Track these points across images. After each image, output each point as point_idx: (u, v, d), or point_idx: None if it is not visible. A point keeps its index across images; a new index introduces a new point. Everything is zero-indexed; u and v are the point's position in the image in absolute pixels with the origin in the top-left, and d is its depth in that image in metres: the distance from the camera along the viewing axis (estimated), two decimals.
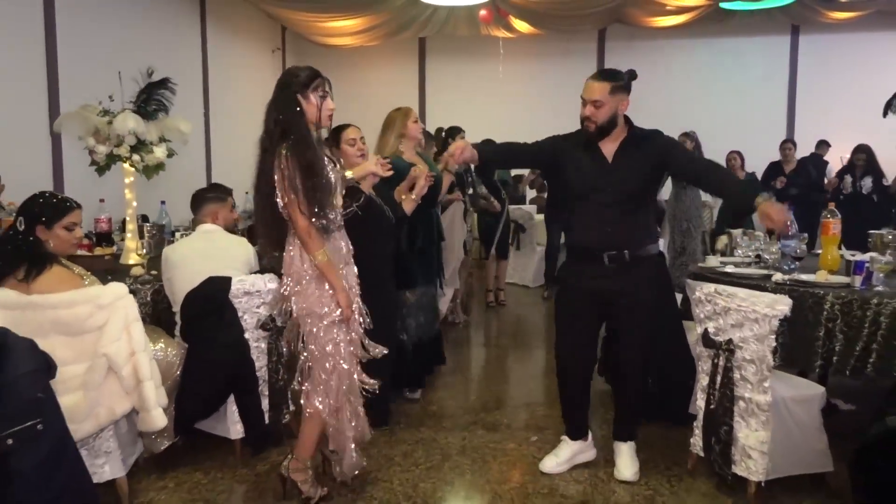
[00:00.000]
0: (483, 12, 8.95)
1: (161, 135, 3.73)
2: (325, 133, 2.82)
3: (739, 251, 3.97)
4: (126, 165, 3.72)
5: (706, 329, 2.81)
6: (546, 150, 2.96)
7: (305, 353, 2.60)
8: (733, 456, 2.72)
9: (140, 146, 3.65)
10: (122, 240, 4.06)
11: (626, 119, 2.87)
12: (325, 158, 2.57)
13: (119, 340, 2.51)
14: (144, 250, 3.53)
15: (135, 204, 3.87)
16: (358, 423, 2.70)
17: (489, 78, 10.34)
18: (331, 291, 2.53)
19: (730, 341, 2.70)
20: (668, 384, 3.41)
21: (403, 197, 3.45)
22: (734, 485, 2.73)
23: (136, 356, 2.55)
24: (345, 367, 2.59)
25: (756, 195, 2.59)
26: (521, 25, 9.49)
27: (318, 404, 2.60)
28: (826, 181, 7.35)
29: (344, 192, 2.70)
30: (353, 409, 2.67)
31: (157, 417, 2.59)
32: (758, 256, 3.88)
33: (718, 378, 2.75)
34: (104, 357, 2.49)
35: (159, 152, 3.72)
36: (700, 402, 2.87)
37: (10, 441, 1.47)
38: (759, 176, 7.47)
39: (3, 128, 5.00)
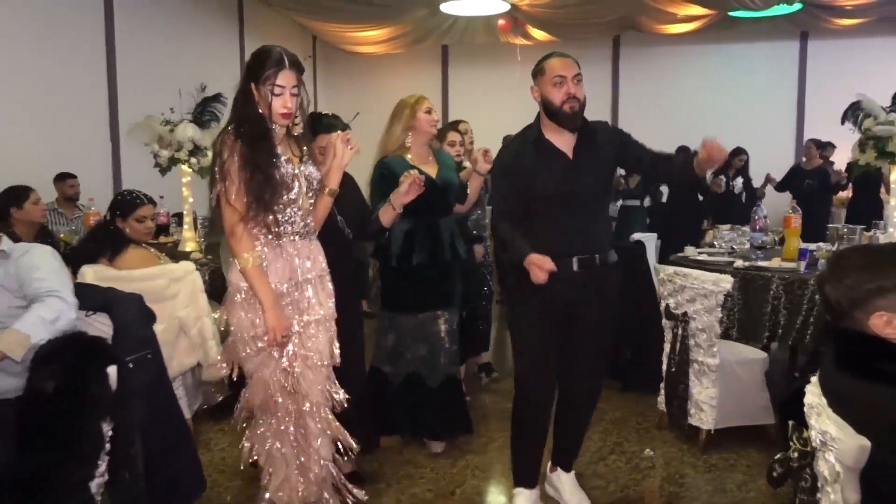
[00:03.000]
0: (501, 22, 9.50)
1: (214, 140, 4.37)
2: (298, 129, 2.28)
3: (716, 242, 4.51)
4: (184, 167, 4.38)
5: (667, 304, 3.35)
6: (518, 183, 2.52)
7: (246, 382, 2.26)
8: (689, 409, 3.27)
9: (196, 151, 4.31)
10: (178, 231, 4.74)
11: None
12: (283, 155, 2.19)
13: (188, 307, 3.17)
14: (201, 238, 4.17)
15: (191, 200, 4.53)
16: (305, 474, 2.24)
17: (507, 83, 10.86)
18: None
19: (685, 314, 3.24)
20: (644, 357, 3.95)
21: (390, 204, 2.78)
22: (690, 433, 3.28)
23: (201, 320, 3.20)
24: (279, 402, 2.21)
25: (692, 154, 2.58)
26: (538, 33, 10.03)
27: (253, 452, 2.27)
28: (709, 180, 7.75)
29: (311, 195, 2.27)
30: (293, 457, 2.24)
31: (219, 369, 3.23)
32: (732, 248, 4.42)
33: (677, 345, 3.30)
34: (177, 320, 3.14)
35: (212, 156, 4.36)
36: (664, 366, 3.41)
37: (131, 365, 2.08)
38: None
39: (69, 134, 5.71)
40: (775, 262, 3.71)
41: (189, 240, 4.43)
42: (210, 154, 4.36)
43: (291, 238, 2.22)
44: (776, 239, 4.55)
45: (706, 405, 3.21)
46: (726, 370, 3.20)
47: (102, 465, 1.69)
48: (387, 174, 2.96)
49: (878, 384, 1.27)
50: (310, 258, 2.27)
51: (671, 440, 3.36)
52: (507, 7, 8.48)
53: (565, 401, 2.65)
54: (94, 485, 1.68)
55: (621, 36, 10.73)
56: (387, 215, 2.75)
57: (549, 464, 2.76)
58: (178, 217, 5.08)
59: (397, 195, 2.71)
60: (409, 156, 3.07)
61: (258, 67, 2.14)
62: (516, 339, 2.63)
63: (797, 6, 8.73)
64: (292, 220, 2.21)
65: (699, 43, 10.46)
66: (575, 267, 2.45)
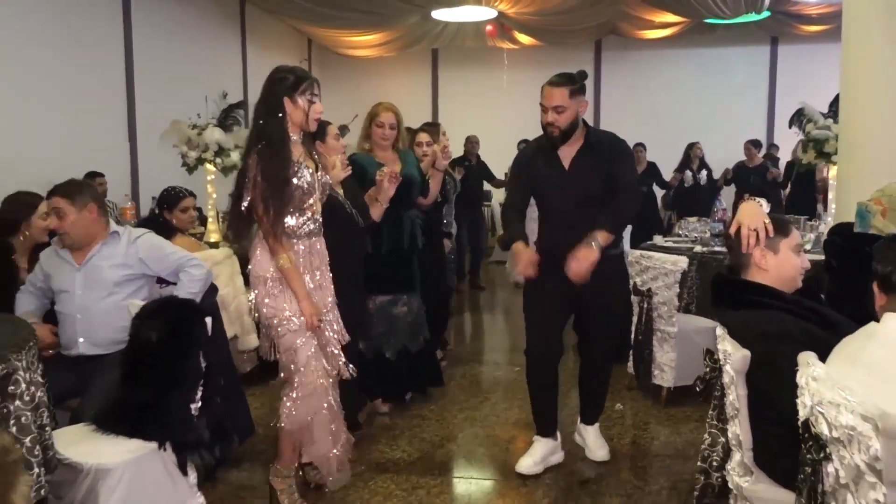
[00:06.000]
0: (489, 27, 10.06)
1: (236, 143, 4.91)
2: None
3: (681, 232, 5.12)
4: (209, 166, 4.91)
5: (635, 282, 3.93)
6: (527, 182, 3.01)
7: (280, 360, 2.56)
8: (653, 371, 3.86)
9: (221, 152, 4.83)
10: (202, 223, 5.25)
11: (584, 122, 2.94)
12: (301, 164, 2.47)
13: (228, 286, 3.71)
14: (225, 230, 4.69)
15: (215, 196, 5.06)
16: (336, 436, 2.63)
17: (495, 85, 11.43)
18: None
19: (649, 290, 3.83)
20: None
21: (373, 201, 3.21)
22: (653, 391, 3.88)
23: (237, 298, 3.75)
24: (311, 377, 2.50)
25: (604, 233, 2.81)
26: (524, 38, 10.60)
27: (284, 415, 2.53)
28: (672, 177, 8.41)
29: (324, 197, 2.61)
30: (327, 422, 2.57)
31: (253, 339, 3.79)
32: (695, 236, 5.02)
33: (643, 317, 3.88)
34: (218, 297, 3.67)
35: (235, 156, 4.89)
36: (632, 335, 4.00)
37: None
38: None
39: (90, 136, 6.19)
40: None
41: (213, 231, 4.96)
42: (233, 155, 4.90)
43: (310, 238, 2.54)
44: None
45: (667, 367, 3.80)
46: (683, 337, 3.79)
47: (199, 393, 2.23)
48: (357, 171, 3.26)
49: (748, 310, 1.83)
50: (320, 252, 2.60)
51: (638, 397, 3.95)
52: (494, 14, 9.05)
53: (584, 369, 3.18)
54: (193, 408, 2.22)
55: (602, 40, 11.29)
56: (376, 210, 3.15)
57: (579, 418, 3.28)
58: (198, 211, 5.60)
59: (384, 192, 3.12)
60: (376, 153, 3.46)
61: (295, 82, 2.44)
62: (526, 314, 3.08)
63: (766, 14, 9.36)
64: (314, 221, 2.54)
65: (676, 47, 11.03)
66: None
